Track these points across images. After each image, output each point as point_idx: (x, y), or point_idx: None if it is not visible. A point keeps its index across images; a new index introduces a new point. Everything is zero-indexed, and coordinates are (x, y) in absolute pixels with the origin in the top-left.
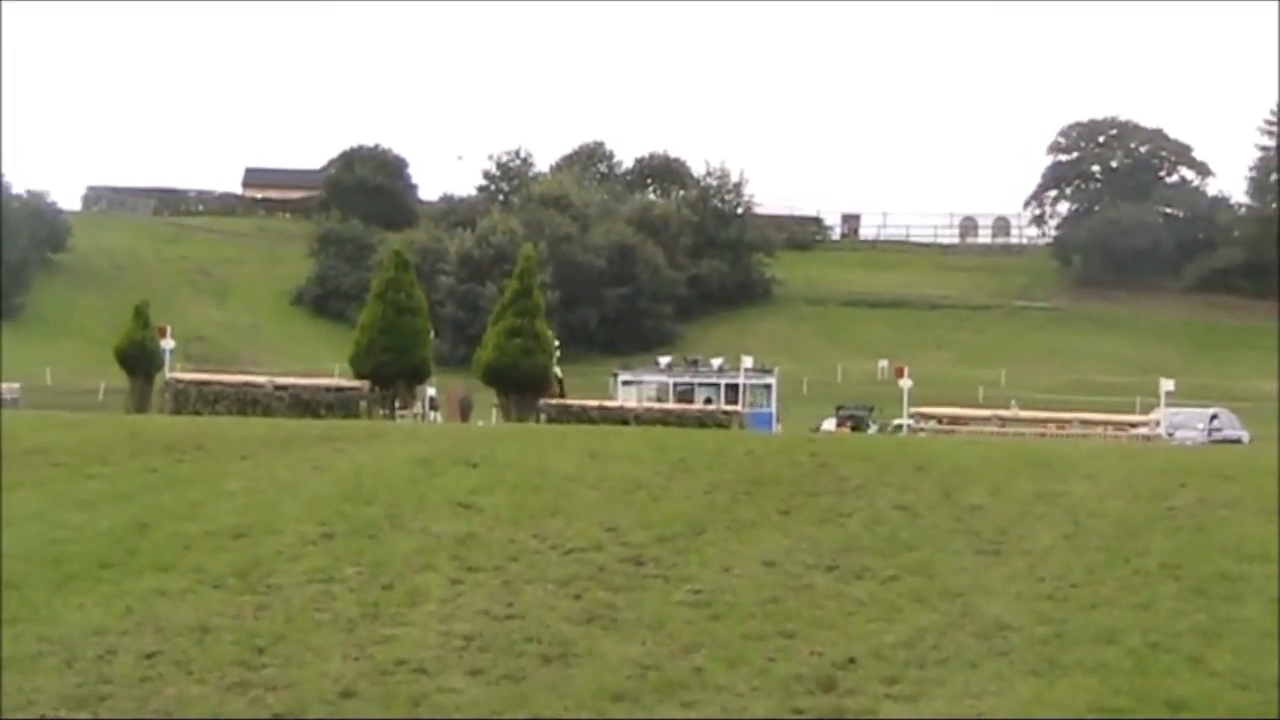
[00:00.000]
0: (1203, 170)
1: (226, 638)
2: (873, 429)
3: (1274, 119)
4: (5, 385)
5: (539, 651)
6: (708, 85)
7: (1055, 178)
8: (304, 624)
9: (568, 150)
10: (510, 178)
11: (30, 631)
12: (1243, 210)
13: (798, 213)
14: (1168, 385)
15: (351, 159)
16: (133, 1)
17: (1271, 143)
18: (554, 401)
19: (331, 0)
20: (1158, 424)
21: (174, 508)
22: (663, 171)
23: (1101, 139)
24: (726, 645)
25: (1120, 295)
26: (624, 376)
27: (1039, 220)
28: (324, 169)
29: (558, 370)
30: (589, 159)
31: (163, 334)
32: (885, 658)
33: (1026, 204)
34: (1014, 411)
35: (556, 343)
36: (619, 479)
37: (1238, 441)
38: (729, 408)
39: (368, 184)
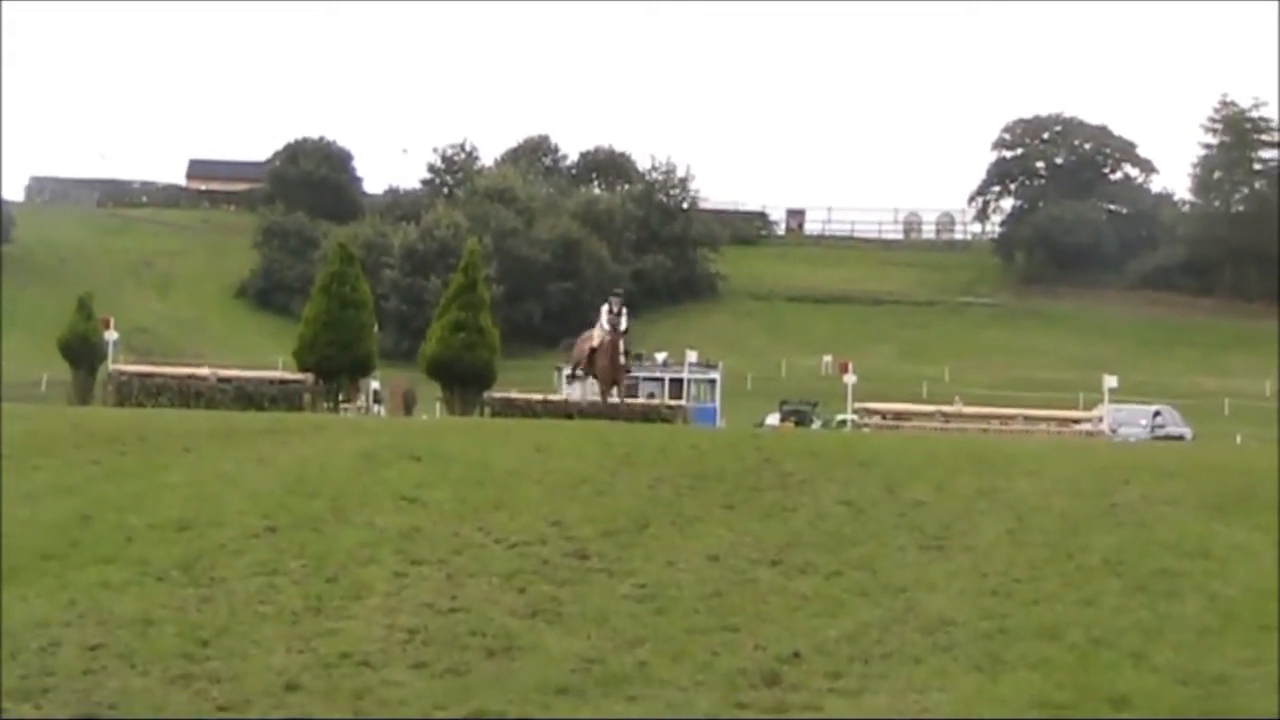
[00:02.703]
0: (1146, 167)
1: (170, 630)
2: (816, 424)
3: (1218, 117)
4: None
5: (483, 645)
6: (653, 80)
7: (999, 174)
8: (248, 617)
9: (513, 144)
10: (455, 171)
11: None
12: (1186, 207)
13: (743, 208)
14: (1111, 382)
15: (296, 151)
16: None
17: (1214, 140)
18: (497, 396)
19: None
20: (1101, 420)
21: (117, 500)
22: (608, 166)
23: (1046, 135)
24: (670, 639)
25: (1064, 292)
26: (568, 371)
27: (983, 216)
28: (269, 161)
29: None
30: (534, 152)
31: (106, 326)
32: (829, 652)
33: (970, 200)
34: (958, 407)
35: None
36: (563, 473)
37: (1181, 438)
38: (673, 403)
39: (312, 177)
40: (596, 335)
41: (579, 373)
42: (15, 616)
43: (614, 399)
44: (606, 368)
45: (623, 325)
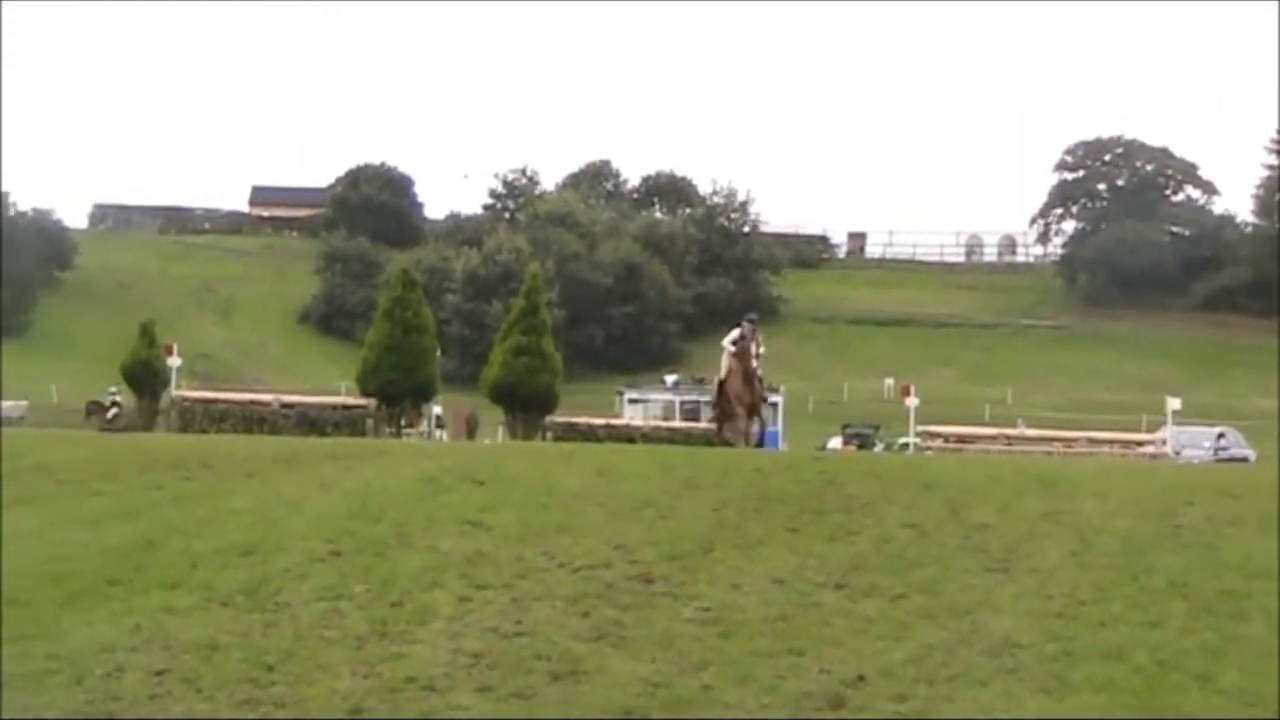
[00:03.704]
0: (1209, 189)
1: (235, 655)
2: (879, 447)
3: (1278, 138)
4: (11, 403)
5: (548, 669)
6: (714, 104)
7: (1061, 196)
8: (312, 641)
9: (574, 168)
10: (516, 196)
11: (37, 649)
12: (1249, 229)
13: (804, 231)
14: (1175, 404)
15: (358, 177)
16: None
17: (1276, 161)
18: (559, 420)
19: (338, 20)
20: (1164, 442)
21: (181, 525)
22: (669, 190)
23: (1108, 157)
24: (735, 662)
25: (1126, 313)
26: (630, 395)
27: (1045, 238)
28: (330, 187)
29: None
30: (595, 177)
31: (169, 352)
32: (894, 675)
33: (1032, 222)
34: (1021, 430)
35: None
36: (626, 497)
37: (1244, 460)
38: None
39: (374, 202)
40: (724, 365)
41: (715, 409)
42: (80, 641)
43: (755, 428)
44: (742, 391)
45: (758, 349)
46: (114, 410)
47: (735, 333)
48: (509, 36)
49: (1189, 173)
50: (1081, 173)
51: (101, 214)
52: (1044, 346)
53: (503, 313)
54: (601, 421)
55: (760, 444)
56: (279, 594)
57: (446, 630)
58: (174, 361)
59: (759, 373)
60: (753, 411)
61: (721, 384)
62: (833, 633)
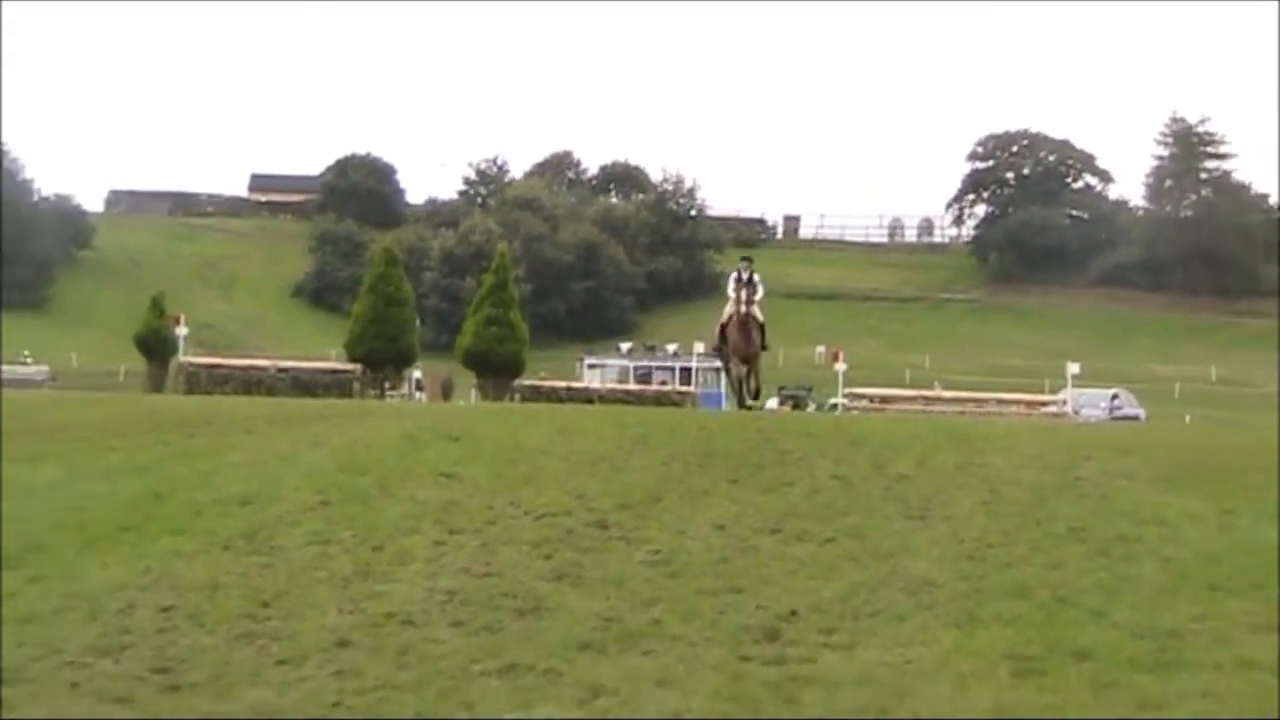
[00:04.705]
0: (1105, 177)
1: (235, 593)
2: (811, 407)
3: (1168, 131)
4: (35, 367)
5: (514, 606)
6: (666, 99)
7: (973, 183)
8: (304, 581)
9: (539, 158)
10: (488, 183)
11: (57, 588)
12: (1140, 213)
13: (744, 214)
14: (1074, 369)
15: (346, 166)
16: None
17: (1165, 152)
18: (525, 382)
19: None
20: (1065, 403)
21: (186, 478)
22: (624, 178)
23: (1014, 149)
24: (681, 600)
25: (1031, 289)
26: (589, 361)
27: (959, 221)
28: (321, 175)
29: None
30: (558, 166)
31: (176, 322)
32: (823, 611)
33: (948, 207)
34: (937, 392)
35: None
36: (585, 452)
37: (1136, 418)
38: (683, 389)
39: (360, 188)
40: (727, 310)
41: (715, 353)
42: (95, 581)
43: (751, 383)
44: (739, 342)
45: (757, 295)
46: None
47: (733, 276)
48: (483, 38)
49: (1087, 162)
50: (991, 162)
51: (116, 198)
52: (958, 318)
53: (475, 288)
54: (564, 384)
55: (756, 399)
56: (274, 539)
57: (423, 571)
58: (181, 331)
59: (758, 317)
60: (747, 361)
61: (723, 329)
62: (768, 573)
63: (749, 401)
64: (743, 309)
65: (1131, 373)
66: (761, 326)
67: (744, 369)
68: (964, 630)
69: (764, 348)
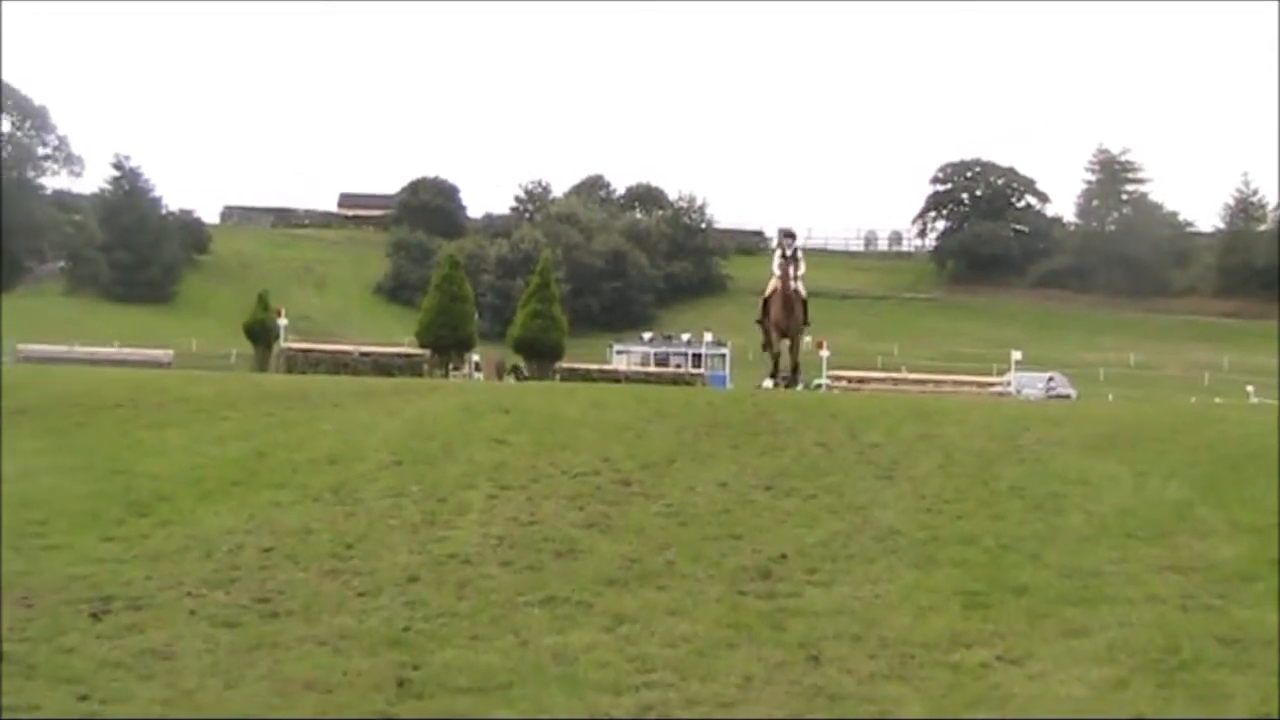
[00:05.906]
0: (1043, 198)
1: (324, 537)
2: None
3: (1095, 160)
4: (161, 351)
5: (553, 548)
6: (683, 130)
7: (934, 202)
8: (380, 527)
9: (576, 180)
10: (534, 200)
11: (179, 532)
12: (1072, 228)
13: (745, 227)
14: (1016, 355)
15: (418, 186)
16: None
17: (1093, 177)
18: (564, 365)
19: (406, 63)
20: (1009, 384)
21: (285, 442)
22: (646, 196)
23: (969, 174)
24: (690, 545)
25: (981, 290)
26: (617, 347)
27: (923, 233)
28: (398, 193)
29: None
30: (592, 187)
31: (279, 314)
32: (807, 554)
33: (914, 221)
34: (903, 374)
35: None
36: (612, 422)
37: (1067, 397)
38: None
39: (430, 205)
40: (770, 284)
41: (758, 325)
42: (210, 526)
43: (786, 360)
44: (780, 316)
45: (798, 270)
46: None
47: (777, 254)
48: (531, 78)
49: (1029, 185)
50: (949, 185)
51: (229, 212)
52: (921, 314)
53: (523, 287)
54: (596, 367)
55: (794, 375)
56: (356, 492)
57: (479, 520)
58: (282, 322)
59: (799, 292)
60: (787, 335)
61: (765, 303)
62: (762, 523)
63: (786, 379)
64: (790, 284)
65: (1064, 359)
66: (804, 301)
67: (785, 343)
68: (923, 570)
69: (806, 323)
